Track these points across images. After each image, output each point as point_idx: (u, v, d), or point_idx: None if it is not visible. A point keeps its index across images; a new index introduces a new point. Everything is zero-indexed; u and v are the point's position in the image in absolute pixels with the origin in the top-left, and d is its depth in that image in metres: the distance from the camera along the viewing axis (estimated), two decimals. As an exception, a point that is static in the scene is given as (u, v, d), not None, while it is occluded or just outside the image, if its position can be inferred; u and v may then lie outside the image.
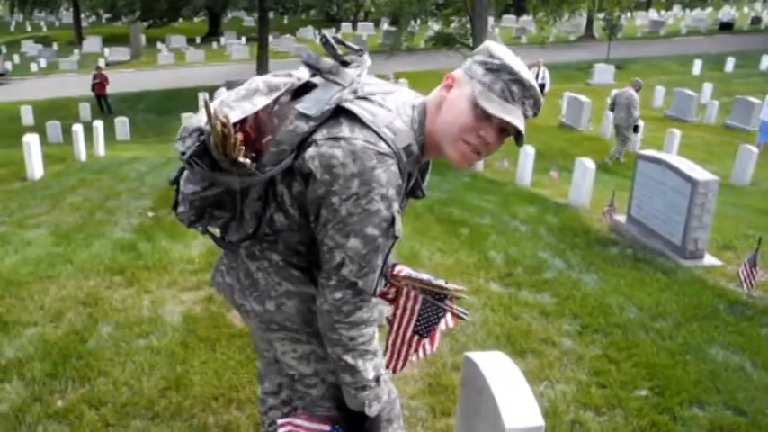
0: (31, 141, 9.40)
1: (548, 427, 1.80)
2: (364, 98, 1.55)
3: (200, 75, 28.11)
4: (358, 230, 1.47)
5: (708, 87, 20.45)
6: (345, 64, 1.59)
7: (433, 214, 7.06)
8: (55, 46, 39.62)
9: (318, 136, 1.49)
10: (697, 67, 26.08)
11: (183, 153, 1.50)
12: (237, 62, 32.66)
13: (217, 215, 1.68)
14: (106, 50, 36.80)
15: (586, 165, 7.98)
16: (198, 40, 40.77)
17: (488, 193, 8.57)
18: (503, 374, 1.86)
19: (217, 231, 1.79)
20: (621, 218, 6.68)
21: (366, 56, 1.64)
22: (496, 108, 1.48)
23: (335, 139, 1.47)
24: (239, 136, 1.40)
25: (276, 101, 1.53)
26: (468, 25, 19.46)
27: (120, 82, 25.32)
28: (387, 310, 2.08)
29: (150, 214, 6.76)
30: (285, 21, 44.46)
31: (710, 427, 3.00)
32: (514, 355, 3.40)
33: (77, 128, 11.80)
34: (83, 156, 11.68)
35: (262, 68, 23.81)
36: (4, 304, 4.13)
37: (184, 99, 21.92)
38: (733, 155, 11.30)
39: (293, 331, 1.69)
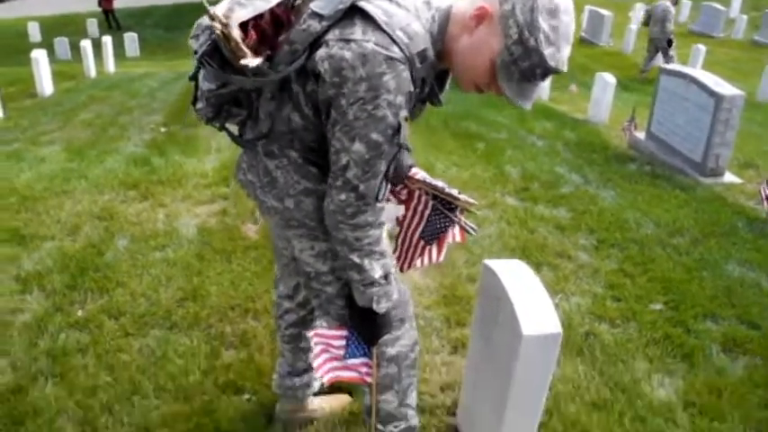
0: (40, 57, 9.26)
1: (562, 337, 1.79)
2: None
3: (210, -12, 27.33)
4: (363, 135, 1.45)
5: (736, 1, 19.58)
6: None
7: (449, 129, 6.94)
8: (59, -41, 38.51)
9: (330, 36, 1.44)
10: (725, -22, 24.99)
11: (196, 51, 1.50)
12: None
13: (234, 112, 1.67)
14: (112, -37, 35.74)
15: (607, 79, 7.75)
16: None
17: (505, 108, 8.39)
18: (521, 282, 1.85)
19: (235, 129, 1.77)
20: (641, 134, 6.54)
21: None
22: (512, 90, 1.47)
23: (347, 40, 1.42)
24: (237, 35, 1.37)
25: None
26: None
27: (128, -4, 24.70)
28: (398, 210, 2.05)
29: (162, 129, 6.71)
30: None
31: (723, 339, 3.01)
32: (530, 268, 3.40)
33: (86, 44, 11.59)
34: (92, 72, 11.53)
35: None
36: (21, 219, 4.15)
37: (194, 14, 21.21)
38: (760, 72, 10.92)
39: (311, 228, 1.69)
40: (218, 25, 1.33)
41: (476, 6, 1.45)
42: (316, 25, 1.46)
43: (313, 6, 1.48)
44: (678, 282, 3.54)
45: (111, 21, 21.25)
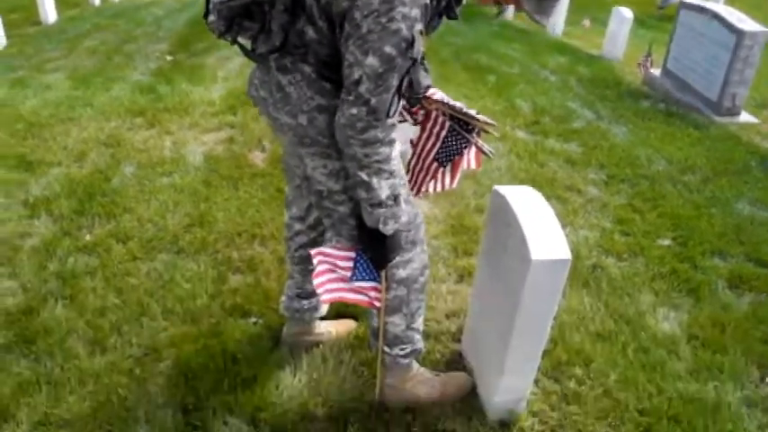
0: (42, -18, 9.01)
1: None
2: None
3: None
4: (376, 48, 1.42)
5: (762, -65, 18.79)
6: None
7: (460, 61, 6.80)
8: None
9: None
10: None
11: None
12: None
13: (246, 26, 1.62)
14: None
15: (624, 14, 7.51)
16: None
17: (518, 42, 8.19)
18: (531, 207, 1.82)
19: (247, 44, 1.72)
20: (656, 71, 6.38)
21: None
22: (532, 5, 1.47)
23: None
24: None
25: None
26: None
27: None
28: (413, 131, 2.01)
29: (168, 58, 6.60)
30: None
31: (730, 276, 3.00)
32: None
33: (89, -31, 11.27)
34: (97, 0, 11.25)
35: None
36: (27, 145, 4.13)
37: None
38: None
39: (325, 146, 1.66)
40: None
41: None
42: None
43: None
44: (687, 218, 3.51)
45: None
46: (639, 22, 9.91)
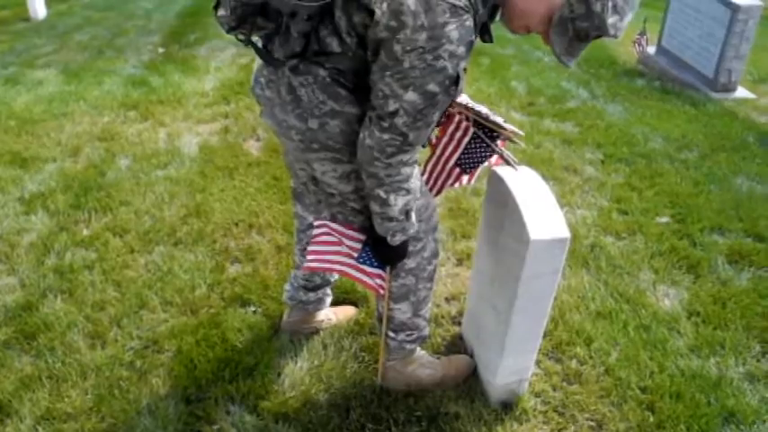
0: (31, -22, 8.93)
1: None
2: None
3: None
4: (418, 85, 1.36)
5: None
6: None
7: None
8: None
9: None
10: None
11: None
12: None
13: (260, 24, 1.50)
14: None
15: (617, -7, 7.46)
16: None
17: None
18: (528, 188, 1.81)
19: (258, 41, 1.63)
20: (651, 50, 6.34)
21: None
22: (561, 46, 1.41)
23: None
24: None
25: None
26: None
27: None
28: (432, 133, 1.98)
29: (160, 50, 6.55)
30: None
31: (729, 252, 3.00)
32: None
33: (77, -37, 11.17)
34: (86, -6, 11.17)
35: None
36: (21, 142, 4.10)
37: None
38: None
39: (335, 151, 1.60)
40: None
41: None
42: None
43: None
44: (685, 195, 3.50)
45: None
46: None
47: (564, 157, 3.91)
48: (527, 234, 1.68)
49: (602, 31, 1.37)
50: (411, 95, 1.38)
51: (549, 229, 1.70)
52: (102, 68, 5.92)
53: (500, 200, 1.87)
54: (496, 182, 1.89)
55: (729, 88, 5.41)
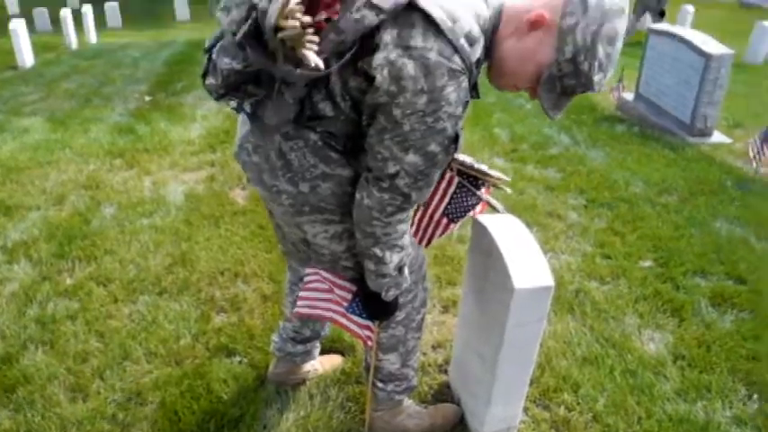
0: (18, 27, 9.02)
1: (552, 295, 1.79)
2: None
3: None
4: (419, 147, 1.38)
5: (723, -38, 19.35)
6: None
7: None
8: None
9: (388, 38, 1.32)
10: (714, -61, 24.58)
11: (235, 33, 1.30)
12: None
13: (251, 91, 1.46)
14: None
15: (595, 42, 7.67)
16: None
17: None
18: (512, 236, 1.83)
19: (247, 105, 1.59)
20: (629, 96, 6.51)
21: None
22: (550, 102, 1.44)
23: (406, 47, 1.30)
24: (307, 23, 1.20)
25: None
26: None
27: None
28: None
29: (147, 98, 6.61)
30: None
31: (712, 294, 3.03)
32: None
33: (66, 12, 11.30)
34: (74, 43, 11.27)
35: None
36: (5, 190, 4.10)
37: (175, -17, 20.87)
38: (747, 34, 10.85)
39: (327, 212, 1.60)
40: (296, 22, 1.17)
41: (534, 11, 1.37)
42: (372, 17, 1.30)
43: None
44: (667, 239, 3.55)
45: (91, -10, 20.73)
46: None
47: (547, 203, 3.96)
48: (511, 283, 1.69)
49: (588, 87, 1.40)
50: (412, 157, 1.39)
51: (533, 277, 1.72)
52: (89, 116, 5.97)
53: (484, 249, 1.89)
54: (480, 231, 1.91)
55: (706, 133, 5.54)
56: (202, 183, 4.17)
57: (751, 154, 4.70)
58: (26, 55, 9.19)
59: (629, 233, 3.61)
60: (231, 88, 1.43)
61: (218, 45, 1.42)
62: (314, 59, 1.22)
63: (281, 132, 1.51)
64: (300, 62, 1.24)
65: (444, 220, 1.98)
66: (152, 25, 15.07)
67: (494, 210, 1.96)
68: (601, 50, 1.34)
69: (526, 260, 1.76)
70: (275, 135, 1.52)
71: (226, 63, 1.38)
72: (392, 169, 1.41)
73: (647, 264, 3.31)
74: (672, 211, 3.95)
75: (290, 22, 1.18)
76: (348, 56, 1.33)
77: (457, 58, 1.32)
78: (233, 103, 1.55)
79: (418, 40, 1.30)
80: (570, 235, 3.57)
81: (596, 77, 1.38)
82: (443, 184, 1.91)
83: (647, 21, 12.17)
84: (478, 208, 1.99)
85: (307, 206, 1.58)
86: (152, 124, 5.42)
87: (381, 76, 1.32)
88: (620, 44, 1.35)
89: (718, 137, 5.58)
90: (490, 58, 1.47)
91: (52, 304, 2.83)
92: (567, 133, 5.50)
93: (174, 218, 3.64)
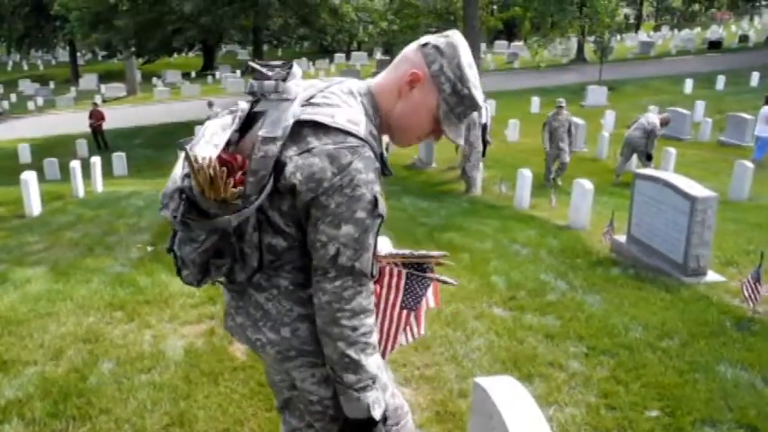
0: (29, 179, 9.42)
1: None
2: (310, 104, 1.59)
3: (196, 109, 28.20)
4: (348, 217, 1.52)
5: (700, 105, 20.45)
6: (284, 80, 1.63)
7: (433, 240, 7.04)
8: (52, 84, 39.83)
9: (290, 153, 1.53)
10: (688, 85, 26.09)
11: (175, 217, 1.54)
12: (233, 95, 32.77)
13: (218, 263, 1.67)
14: (102, 87, 36.91)
15: (584, 186, 7.98)
16: (193, 75, 41.07)
17: (488, 218, 8.57)
18: (512, 399, 1.83)
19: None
20: (622, 238, 6.66)
21: (295, 66, 1.67)
22: (454, 133, 1.68)
23: (308, 150, 1.52)
24: (224, 171, 1.46)
25: (228, 140, 1.58)
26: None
27: (117, 118, 25.35)
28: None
29: (149, 248, 6.74)
30: (279, 53, 44.77)
31: (724, 446, 2.96)
32: (522, 380, 3.35)
33: (75, 164, 11.81)
34: (81, 192, 11.67)
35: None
36: (3, 343, 4.09)
37: (181, 133, 21.80)
38: (729, 171, 11.30)
39: (310, 355, 1.68)
40: (205, 166, 1.43)
41: (408, 73, 1.62)
42: (273, 148, 1.53)
43: (262, 134, 1.54)
44: (672, 386, 3.51)
45: (100, 141, 21.70)
46: (601, 190, 10.51)
47: (548, 353, 3.94)
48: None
49: (475, 106, 1.66)
50: (345, 229, 1.52)
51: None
52: (91, 267, 6.06)
53: (485, 411, 1.88)
54: (480, 393, 1.91)
55: (700, 272, 5.63)
56: (202, 336, 4.16)
57: (746, 294, 4.75)
58: (34, 204, 9.50)
59: (633, 381, 3.57)
60: (204, 270, 1.66)
61: (176, 240, 1.67)
62: (234, 191, 1.48)
63: (254, 286, 1.68)
64: (229, 205, 1.49)
65: (404, 313, 2.03)
66: (156, 173, 15.67)
67: (446, 283, 2.05)
68: (468, 73, 1.61)
69: (527, 422, 1.75)
70: (250, 290, 1.69)
71: (187, 250, 1.63)
72: (332, 250, 1.53)
73: (654, 413, 3.24)
74: (674, 355, 3.93)
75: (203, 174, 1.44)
76: (269, 184, 1.53)
77: (351, 138, 1.53)
78: (217, 280, 1.73)
79: (313, 141, 1.53)
80: (573, 385, 3.53)
81: (476, 94, 1.64)
82: (394, 280, 1.98)
83: (633, 164, 12.68)
84: (430, 290, 2.06)
85: (292, 351, 1.68)
86: (153, 275, 5.49)
87: (297, 180, 1.52)
88: (473, 62, 1.64)
89: (712, 276, 5.66)
90: (389, 127, 1.70)
91: (43, 469, 2.74)
92: (564, 278, 5.57)
93: (173, 374, 3.60)
